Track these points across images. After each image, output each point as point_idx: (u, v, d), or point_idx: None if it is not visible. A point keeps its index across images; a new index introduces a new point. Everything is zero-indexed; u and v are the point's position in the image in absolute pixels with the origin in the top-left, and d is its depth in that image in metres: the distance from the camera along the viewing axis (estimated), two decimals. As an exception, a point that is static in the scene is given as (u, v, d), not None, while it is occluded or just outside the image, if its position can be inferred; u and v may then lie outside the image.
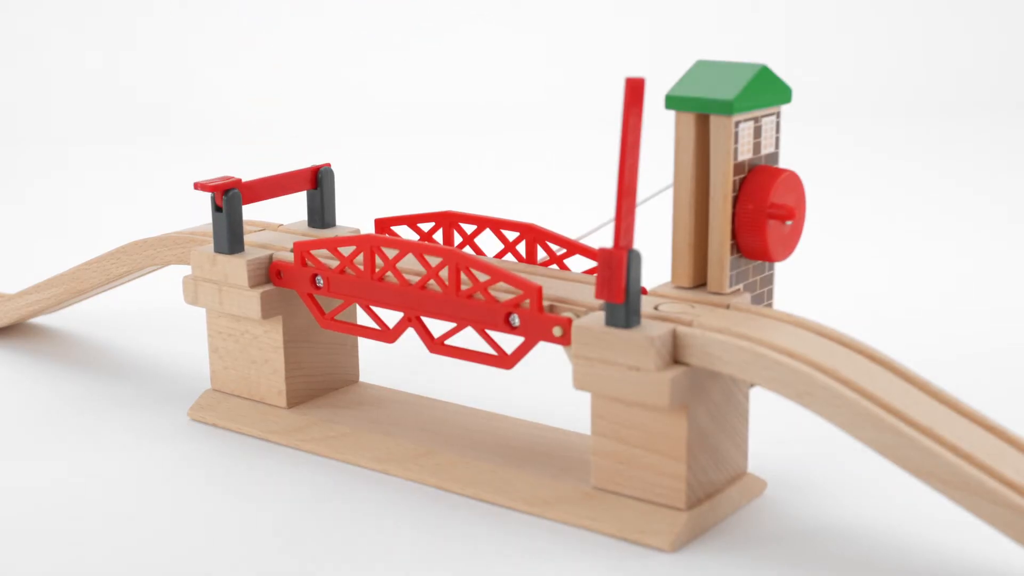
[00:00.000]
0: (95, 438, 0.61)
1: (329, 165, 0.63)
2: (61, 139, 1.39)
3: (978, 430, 0.47)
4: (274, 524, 0.52)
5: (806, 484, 0.55)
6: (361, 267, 0.56)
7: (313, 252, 0.58)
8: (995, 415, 0.57)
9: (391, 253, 0.58)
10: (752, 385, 0.53)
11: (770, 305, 0.55)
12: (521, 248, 0.68)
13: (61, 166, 1.29)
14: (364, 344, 0.71)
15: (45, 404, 0.65)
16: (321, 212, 0.63)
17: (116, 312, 0.80)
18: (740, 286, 0.52)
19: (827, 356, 0.47)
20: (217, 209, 0.59)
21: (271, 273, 0.59)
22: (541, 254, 0.59)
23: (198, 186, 0.59)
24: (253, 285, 0.59)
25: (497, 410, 0.62)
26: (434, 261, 0.58)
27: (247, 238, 0.62)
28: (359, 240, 0.56)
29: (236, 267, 0.59)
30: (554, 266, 0.58)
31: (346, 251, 0.58)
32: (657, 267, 0.71)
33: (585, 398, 0.62)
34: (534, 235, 0.58)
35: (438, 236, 0.64)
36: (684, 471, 0.50)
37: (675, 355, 0.49)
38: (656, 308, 0.50)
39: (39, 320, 0.78)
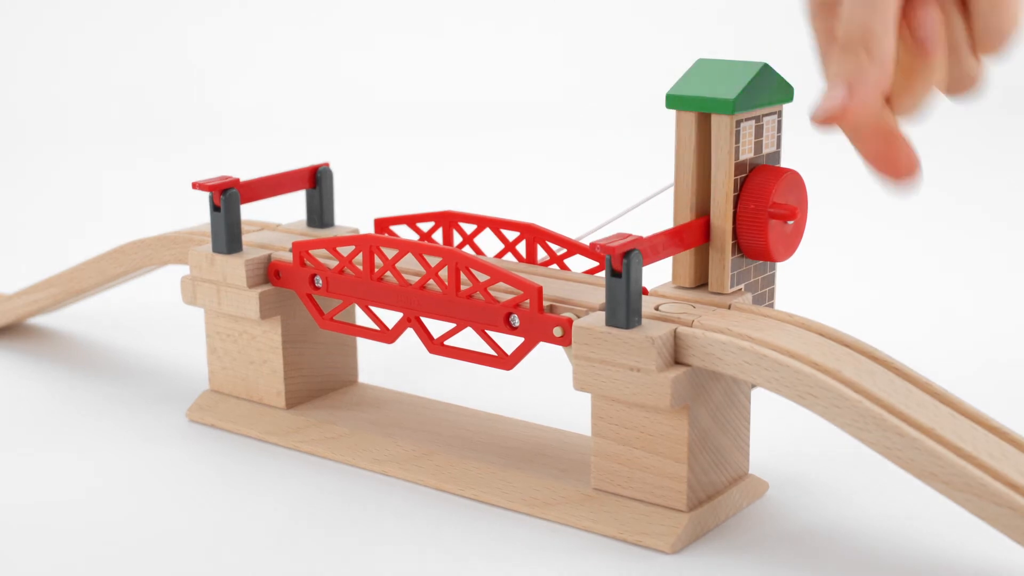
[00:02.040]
0: (93, 439, 0.61)
1: (328, 164, 0.63)
2: (60, 139, 1.39)
3: (980, 431, 0.46)
4: (273, 525, 0.52)
5: (808, 485, 0.55)
6: (360, 267, 0.56)
7: (312, 252, 0.58)
8: (997, 415, 0.57)
9: (390, 253, 0.58)
10: (754, 386, 0.52)
11: (772, 305, 0.54)
12: (521, 248, 0.67)
13: (59, 166, 1.29)
14: (363, 344, 0.71)
15: (42, 404, 0.65)
16: (320, 212, 0.63)
17: (114, 312, 0.79)
18: (741, 286, 0.52)
19: (829, 357, 0.47)
20: (215, 209, 0.59)
21: (270, 273, 0.59)
22: (541, 254, 0.59)
23: (196, 185, 0.58)
24: (251, 285, 0.59)
25: (497, 411, 0.62)
26: (434, 261, 0.57)
27: (245, 238, 0.61)
28: (358, 240, 0.56)
29: (234, 267, 0.58)
30: (554, 266, 0.58)
31: (345, 251, 0.58)
32: (658, 267, 0.71)
33: (585, 399, 0.62)
34: (534, 235, 0.58)
35: (438, 236, 0.64)
36: (685, 472, 0.49)
37: (676, 356, 0.48)
38: (657, 308, 0.50)
39: (37, 320, 0.77)
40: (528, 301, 0.51)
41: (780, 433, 0.59)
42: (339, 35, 1.59)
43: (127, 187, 1.19)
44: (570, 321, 0.50)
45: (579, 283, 0.54)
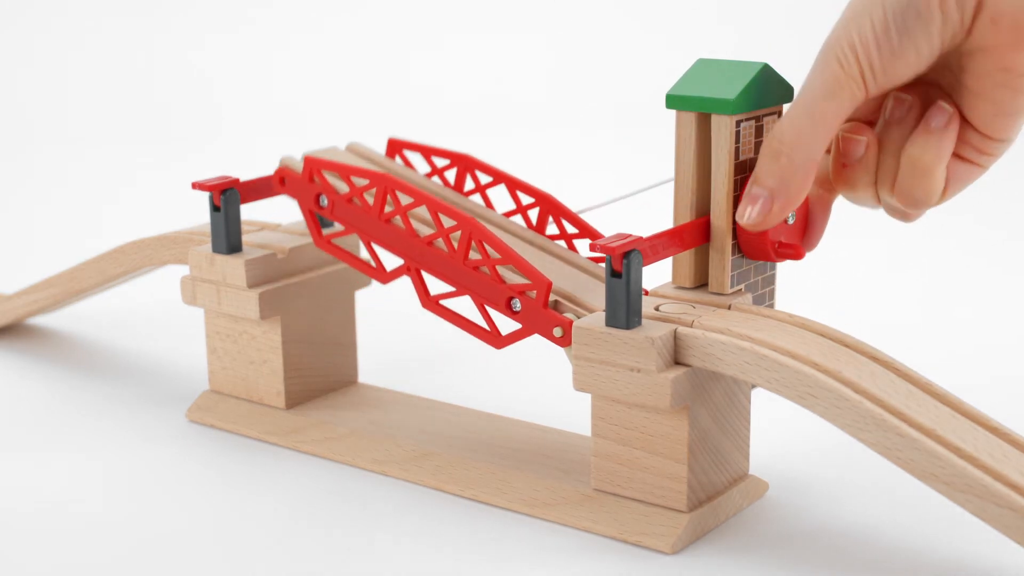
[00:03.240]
0: (93, 439, 0.61)
1: (328, 164, 0.63)
2: (60, 139, 1.39)
3: (981, 431, 0.46)
4: (272, 526, 0.52)
5: (808, 486, 0.55)
6: (371, 201, 0.55)
7: (324, 172, 0.56)
8: (998, 416, 0.57)
9: (405, 201, 0.56)
10: (754, 386, 0.52)
11: (772, 305, 0.54)
12: (532, 215, 0.65)
13: (59, 166, 1.29)
14: (363, 345, 0.71)
15: (42, 404, 0.65)
16: (320, 212, 0.63)
17: (114, 312, 0.79)
18: (742, 286, 0.52)
19: (829, 357, 0.47)
20: (215, 209, 0.59)
21: (274, 179, 0.57)
22: (551, 228, 0.57)
23: (196, 185, 0.58)
24: (251, 285, 0.58)
25: (497, 411, 0.62)
26: (449, 223, 0.56)
27: (245, 238, 0.61)
28: (374, 176, 0.54)
29: (234, 267, 0.58)
30: (561, 242, 0.57)
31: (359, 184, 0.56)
32: (658, 267, 0.71)
33: (585, 399, 0.62)
34: (548, 206, 0.57)
35: (451, 176, 0.61)
36: (685, 473, 0.49)
37: (676, 356, 0.48)
38: (657, 309, 0.50)
39: (37, 320, 0.77)
40: (535, 292, 0.51)
41: (780, 433, 0.59)
42: (339, 35, 1.59)
43: (127, 187, 1.19)
44: (570, 322, 0.50)
45: (586, 275, 0.54)
